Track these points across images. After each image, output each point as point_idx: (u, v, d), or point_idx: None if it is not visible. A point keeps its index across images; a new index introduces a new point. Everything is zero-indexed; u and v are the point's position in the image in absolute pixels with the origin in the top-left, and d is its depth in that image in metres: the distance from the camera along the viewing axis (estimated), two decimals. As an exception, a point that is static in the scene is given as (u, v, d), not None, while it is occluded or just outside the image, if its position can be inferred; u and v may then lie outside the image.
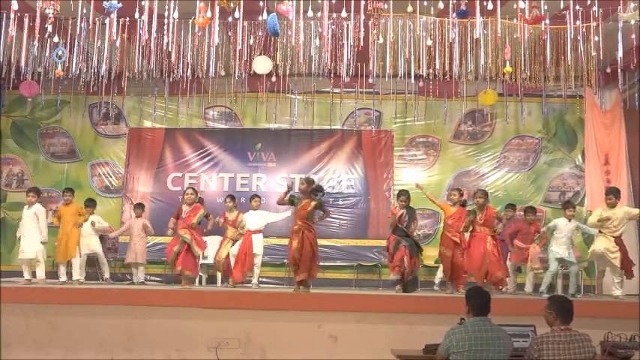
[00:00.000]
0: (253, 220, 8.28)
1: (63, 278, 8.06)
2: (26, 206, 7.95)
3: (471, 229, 7.54)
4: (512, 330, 4.26)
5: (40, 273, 7.77)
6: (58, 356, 6.27)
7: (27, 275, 7.73)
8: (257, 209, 8.37)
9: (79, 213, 8.26)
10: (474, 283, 7.27)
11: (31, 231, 7.76)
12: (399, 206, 7.77)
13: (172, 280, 7.95)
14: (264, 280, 8.89)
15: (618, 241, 7.25)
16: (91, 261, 8.78)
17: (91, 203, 8.81)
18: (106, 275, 8.62)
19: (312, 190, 7.22)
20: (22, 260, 7.81)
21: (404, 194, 7.84)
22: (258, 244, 8.23)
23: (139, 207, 9.02)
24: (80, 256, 8.25)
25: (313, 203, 7.15)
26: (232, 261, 8.12)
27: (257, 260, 8.22)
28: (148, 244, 9.04)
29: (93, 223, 8.49)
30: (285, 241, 7.68)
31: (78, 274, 8.13)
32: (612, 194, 7.44)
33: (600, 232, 7.37)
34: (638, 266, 7.70)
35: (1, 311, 6.25)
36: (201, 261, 8.38)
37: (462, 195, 7.91)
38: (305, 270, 7.06)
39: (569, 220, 7.80)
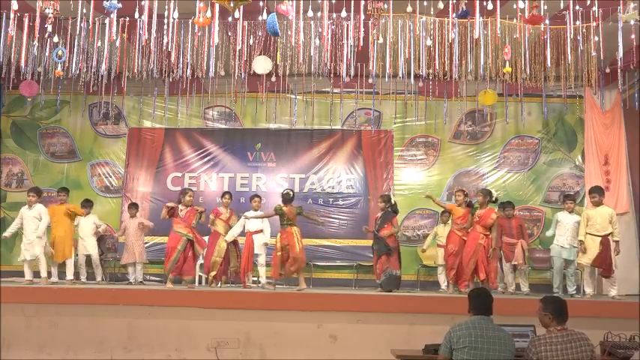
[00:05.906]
0: (253, 220, 8.25)
1: (54, 279, 8.02)
2: (26, 207, 7.86)
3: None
4: (512, 330, 4.26)
5: (43, 272, 7.71)
6: (58, 356, 6.28)
7: (28, 276, 7.71)
8: (257, 209, 8.35)
9: (67, 212, 8.19)
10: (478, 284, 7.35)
11: (35, 232, 7.69)
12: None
13: (172, 280, 7.94)
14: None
15: (604, 240, 7.20)
16: (90, 261, 8.79)
17: (87, 204, 8.79)
18: (98, 278, 8.58)
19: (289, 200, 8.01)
20: (23, 260, 7.76)
21: (382, 197, 8.27)
22: (260, 244, 8.20)
23: (133, 207, 8.99)
24: (77, 256, 8.23)
25: (295, 210, 7.93)
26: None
27: (261, 260, 8.21)
28: (147, 244, 9.08)
29: (97, 227, 8.57)
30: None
31: (71, 273, 8.11)
32: (596, 192, 7.46)
33: (587, 233, 7.34)
34: (639, 267, 7.69)
35: (1, 311, 6.26)
36: (200, 261, 8.39)
37: (466, 195, 8.10)
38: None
39: (570, 213, 7.81)
